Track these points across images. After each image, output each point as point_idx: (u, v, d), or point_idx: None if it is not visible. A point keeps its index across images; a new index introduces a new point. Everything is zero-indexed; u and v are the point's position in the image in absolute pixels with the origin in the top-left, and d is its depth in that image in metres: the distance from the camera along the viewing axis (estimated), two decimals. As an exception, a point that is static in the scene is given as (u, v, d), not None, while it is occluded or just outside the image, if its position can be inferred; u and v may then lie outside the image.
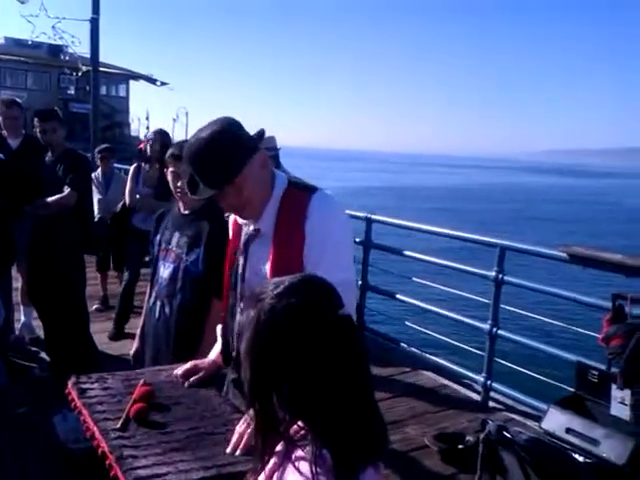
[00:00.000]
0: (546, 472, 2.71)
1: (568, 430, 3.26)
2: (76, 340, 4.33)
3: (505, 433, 2.69)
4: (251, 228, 1.95)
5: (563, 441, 3.21)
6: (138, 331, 2.92)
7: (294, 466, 1.13)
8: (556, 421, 3.35)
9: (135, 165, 5.66)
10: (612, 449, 3.06)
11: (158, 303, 2.69)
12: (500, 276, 4.49)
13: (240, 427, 1.66)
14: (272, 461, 1.20)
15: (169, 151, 2.74)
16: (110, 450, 1.63)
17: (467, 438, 3.61)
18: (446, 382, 4.83)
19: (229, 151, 1.78)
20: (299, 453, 1.14)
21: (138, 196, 5.50)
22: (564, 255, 4.05)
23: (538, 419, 3.65)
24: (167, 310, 2.66)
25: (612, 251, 3.93)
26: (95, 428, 1.76)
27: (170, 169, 2.69)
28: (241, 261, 1.99)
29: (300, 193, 1.88)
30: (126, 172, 10.26)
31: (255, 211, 1.91)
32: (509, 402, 4.45)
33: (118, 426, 1.74)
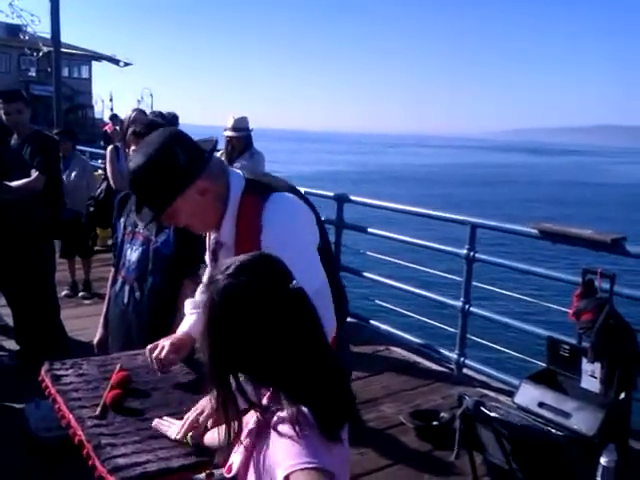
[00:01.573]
0: (522, 446, 2.75)
1: (540, 404, 3.32)
2: (46, 327, 4.25)
3: (482, 408, 2.72)
4: (213, 238, 1.92)
5: (536, 415, 3.27)
6: (101, 319, 2.82)
7: (276, 431, 1.14)
8: (529, 395, 3.40)
9: (112, 147, 5.55)
10: (583, 421, 3.12)
11: (126, 287, 2.62)
12: (471, 253, 4.52)
13: (189, 414, 1.65)
14: (246, 440, 1.22)
15: (130, 129, 2.67)
16: (87, 439, 1.60)
17: (442, 415, 3.65)
18: (419, 360, 4.87)
19: (159, 182, 1.70)
20: (277, 418, 1.15)
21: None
22: (534, 231, 4.08)
23: (511, 394, 3.70)
24: (137, 294, 2.59)
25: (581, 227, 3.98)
26: (71, 416, 1.72)
27: (132, 147, 2.61)
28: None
29: (255, 199, 1.77)
30: (92, 154, 10.06)
31: (205, 229, 1.90)
32: (482, 378, 4.51)
33: (97, 413, 1.71)
